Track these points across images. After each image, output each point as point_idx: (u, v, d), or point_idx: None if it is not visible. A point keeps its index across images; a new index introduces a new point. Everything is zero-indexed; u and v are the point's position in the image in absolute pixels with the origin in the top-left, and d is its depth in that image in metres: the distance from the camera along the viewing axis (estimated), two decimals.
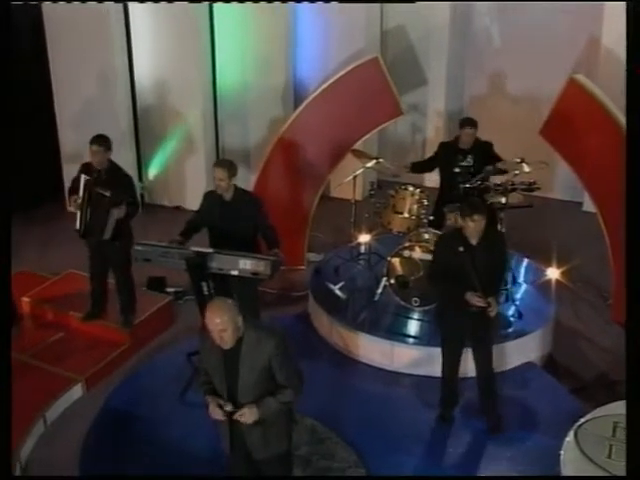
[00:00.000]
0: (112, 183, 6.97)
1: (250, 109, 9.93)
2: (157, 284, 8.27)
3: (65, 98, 9.75)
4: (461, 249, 5.81)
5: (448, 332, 6.30)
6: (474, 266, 5.82)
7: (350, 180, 8.11)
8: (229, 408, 4.64)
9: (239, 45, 9.69)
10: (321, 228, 9.22)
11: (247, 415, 4.57)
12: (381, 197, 7.93)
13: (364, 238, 8.16)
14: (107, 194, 6.89)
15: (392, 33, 10.22)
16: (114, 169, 7.17)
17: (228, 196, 6.56)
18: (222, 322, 4.41)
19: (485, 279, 5.86)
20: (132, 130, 9.96)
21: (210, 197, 6.76)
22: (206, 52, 9.75)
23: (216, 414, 4.65)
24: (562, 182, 10.12)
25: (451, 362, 6.34)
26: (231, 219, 6.47)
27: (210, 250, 6.23)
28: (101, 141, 7.02)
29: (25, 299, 7.94)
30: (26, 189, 9.35)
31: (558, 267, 7.99)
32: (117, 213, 6.95)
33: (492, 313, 5.91)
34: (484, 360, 6.26)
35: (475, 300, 5.84)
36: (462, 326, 6.13)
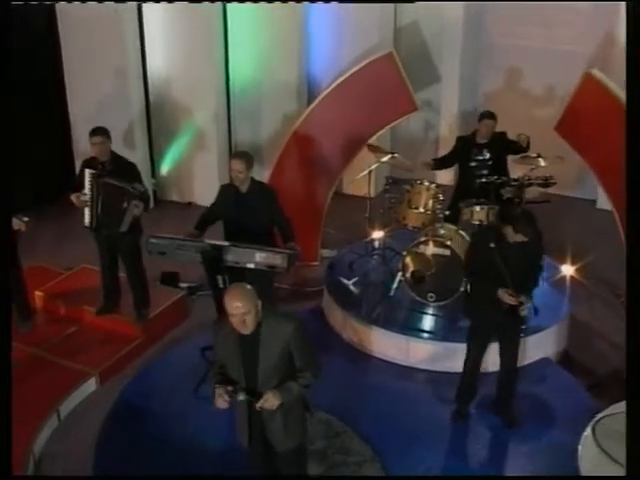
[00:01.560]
0: (119, 172, 6.96)
1: (263, 105, 9.91)
2: (170, 279, 8.25)
3: (78, 95, 9.73)
4: (493, 245, 5.73)
5: (477, 326, 6.23)
6: (508, 263, 5.74)
7: (364, 176, 8.07)
8: (242, 397, 4.58)
9: (252, 41, 9.66)
10: (334, 225, 9.18)
11: (270, 400, 4.52)
12: (396, 192, 7.90)
13: (378, 233, 8.12)
14: (127, 188, 6.85)
15: (405, 29, 10.17)
16: (117, 159, 7.16)
17: (244, 188, 6.53)
18: (244, 305, 4.38)
19: (519, 277, 5.79)
20: (144, 126, 9.94)
21: (226, 189, 6.74)
22: (219, 48, 9.72)
23: (220, 403, 4.57)
24: (576, 179, 10.07)
25: (475, 356, 6.28)
26: (247, 211, 6.45)
27: (226, 243, 6.19)
28: (102, 132, 7.01)
29: (39, 293, 7.93)
30: (40, 185, 9.35)
31: (572, 264, 7.95)
32: (137, 210, 6.93)
33: (523, 312, 5.87)
34: (510, 355, 6.20)
35: (507, 298, 5.76)
36: (492, 321, 6.05)
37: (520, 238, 5.66)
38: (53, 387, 6.77)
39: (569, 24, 9.68)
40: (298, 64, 9.89)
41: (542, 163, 7.35)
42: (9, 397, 4.55)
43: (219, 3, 9.50)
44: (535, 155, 7.42)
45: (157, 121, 10.08)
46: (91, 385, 6.94)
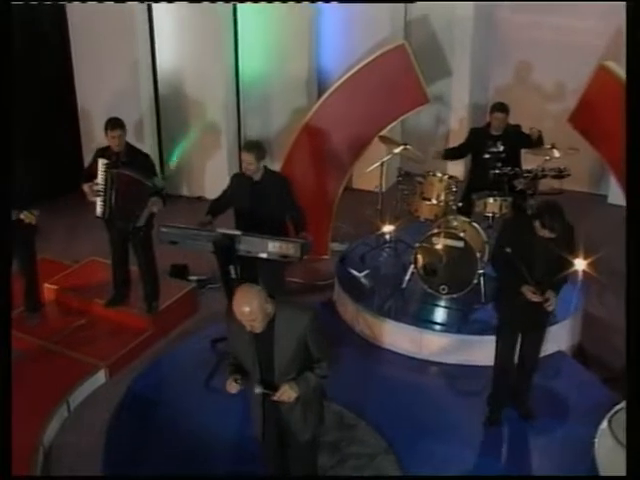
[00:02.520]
0: (134, 163, 6.91)
1: (273, 99, 9.86)
2: (180, 272, 8.21)
3: (87, 88, 9.70)
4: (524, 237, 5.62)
5: (505, 320, 6.09)
6: (536, 257, 5.61)
7: (375, 169, 8.01)
8: (259, 390, 4.51)
9: (262, 34, 9.62)
10: (344, 219, 9.12)
11: (287, 392, 4.46)
12: (408, 184, 7.84)
13: (390, 226, 8.05)
14: (147, 183, 6.79)
15: (416, 23, 10.10)
16: (132, 150, 7.12)
17: (257, 177, 6.47)
18: (251, 311, 4.28)
19: (547, 272, 5.66)
20: (154, 120, 9.91)
21: (239, 177, 6.69)
22: (229, 42, 9.67)
23: (232, 388, 4.54)
24: (587, 175, 10.00)
25: (505, 352, 6.09)
26: (260, 200, 6.39)
27: (238, 232, 6.14)
28: (119, 124, 6.95)
29: (47, 286, 7.88)
30: (49, 179, 9.31)
31: (585, 258, 7.85)
32: (155, 207, 6.87)
33: (549, 308, 5.72)
34: (533, 349, 6.08)
35: (530, 295, 5.63)
36: (519, 314, 5.89)
37: (547, 234, 5.51)
38: (63, 379, 6.72)
39: (581, 17, 9.59)
40: (308, 58, 9.85)
41: (556, 154, 7.29)
42: (9, 397, 4.48)
43: None
44: (549, 146, 7.34)
45: (166, 115, 10.04)
46: (100, 377, 6.88)
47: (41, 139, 9.50)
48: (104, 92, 9.53)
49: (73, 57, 9.61)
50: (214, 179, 9.73)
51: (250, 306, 4.26)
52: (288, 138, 8.76)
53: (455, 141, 9.86)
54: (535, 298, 5.63)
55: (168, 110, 10.00)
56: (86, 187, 6.99)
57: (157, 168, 9.12)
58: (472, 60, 10.17)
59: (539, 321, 5.99)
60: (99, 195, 6.97)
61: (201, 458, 5.93)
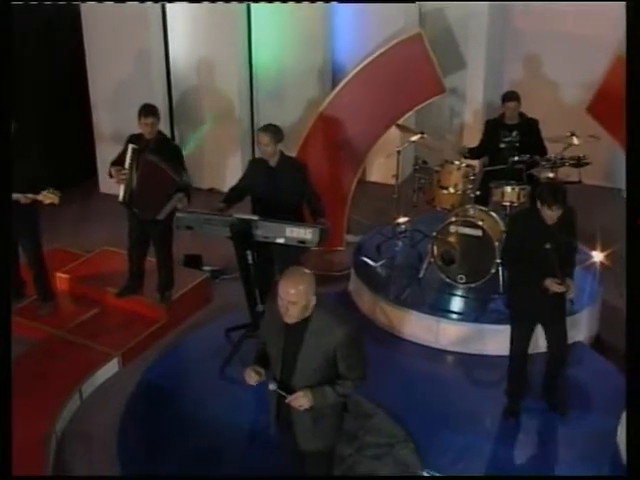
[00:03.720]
0: (162, 152, 6.82)
1: (286, 90, 9.76)
2: (193, 262, 8.13)
3: (99, 78, 9.61)
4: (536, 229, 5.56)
5: (519, 311, 5.99)
6: (551, 247, 5.52)
7: (391, 159, 7.94)
8: (273, 387, 4.31)
9: (275, 24, 9.52)
10: (358, 211, 9.05)
11: (301, 400, 4.25)
12: (425, 173, 7.75)
13: (406, 217, 7.97)
14: (175, 178, 6.72)
15: (431, 15, 10.00)
16: (163, 139, 7.08)
17: (274, 162, 6.40)
18: (296, 293, 4.07)
19: (561, 260, 5.58)
20: (167, 111, 9.81)
21: (255, 164, 6.63)
22: (242, 32, 9.59)
23: (250, 378, 4.34)
24: (601, 168, 9.89)
25: (521, 344, 6.01)
26: (276, 186, 6.32)
27: (255, 217, 6.07)
28: (153, 111, 6.90)
29: (60, 275, 7.81)
30: (60, 169, 9.25)
31: (601, 251, 7.78)
32: (180, 204, 6.78)
33: (571, 295, 5.68)
34: (558, 338, 5.97)
35: (555, 287, 5.54)
36: (534, 305, 5.81)
37: (554, 215, 5.46)
38: (75, 368, 6.66)
39: (596, 9, 9.49)
40: (322, 49, 9.75)
41: (575, 141, 7.20)
42: (9, 397, 4.44)
43: None
44: (569, 133, 7.26)
45: (179, 105, 9.96)
46: (113, 366, 6.82)
47: (52, 129, 9.44)
48: (116, 82, 9.46)
49: (85, 47, 9.52)
50: (227, 171, 9.71)
51: (296, 288, 4.07)
52: (302, 129, 8.69)
53: (469, 134, 9.87)
54: (560, 289, 5.55)
55: (181, 101, 9.92)
56: (113, 170, 6.92)
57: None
58: (487, 53, 10.04)
59: (557, 311, 5.89)
60: (123, 179, 6.89)
61: (214, 447, 5.86)
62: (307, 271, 4.26)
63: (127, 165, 6.85)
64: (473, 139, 8.56)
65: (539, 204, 5.52)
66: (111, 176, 6.96)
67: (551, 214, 5.50)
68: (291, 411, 4.39)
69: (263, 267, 6.40)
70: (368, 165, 9.65)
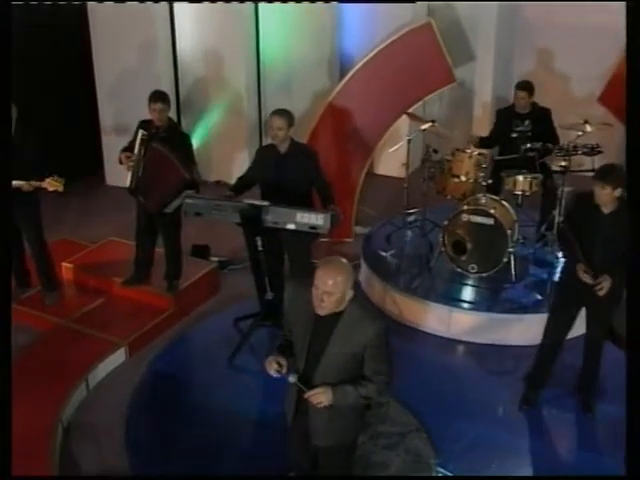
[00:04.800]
0: (171, 141, 6.74)
1: (294, 82, 9.67)
2: (201, 252, 8.04)
3: (106, 70, 9.54)
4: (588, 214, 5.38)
5: (560, 298, 5.88)
6: (596, 236, 5.36)
7: (401, 149, 7.88)
8: (293, 379, 4.14)
9: (283, 16, 9.43)
10: (367, 204, 8.98)
11: (321, 397, 4.07)
12: (435, 162, 7.67)
13: (416, 207, 7.92)
14: (185, 175, 6.62)
15: (439, 6, 9.92)
16: (173, 127, 7.00)
17: (283, 148, 6.30)
18: (333, 284, 3.90)
19: (606, 253, 5.38)
20: (174, 103, 9.68)
21: (264, 150, 6.53)
22: (250, 23, 9.50)
23: (270, 367, 4.15)
24: (613, 160, 9.80)
25: (555, 332, 5.85)
26: (286, 172, 6.22)
27: (265, 203, 5.97)
28: (163, 98, 6.81)
29: (66, 265, 7.72)
30: (66, 161, 9.17)
31: None
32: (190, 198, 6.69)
33: (600, 292, 5.40)
34: (593, 330, 5.81)
35: (582, 275, 5.40)
36: (575, 294, 5.64)
37: (606, 193, 5.21)
38: (82, 357, 6.56)
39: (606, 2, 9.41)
40: (330, 40, 9.67)
41: (588, 129, 7.11)
42: (9, 397, 4.35)
43: None
44: (582, 121, 7.17)
45: (186, 97, 9.88)
46: (120, 356, 6.72)
47: (58, 121, 9.36)
48: (122, 73, 9.38)
49: (92, 37, 9.45)
50: (234, 163, 9.61)
51: (334, 278, 3.90)
52: (310, 121, 8.60)
53: (478, 126, 9.77)
54: (586, 278, 5.40)
55: (188, 93, 9.84)
56: (123, 156, 6.83)
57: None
58: (496, 45, 9.95)
59: (597, 301, 5.58)
60: (131, 166, 6.80)
61: (222, 437, 5.78)
62: (346, 262, 4.06)
63: (135, 151, 6.77)
64: (482, 132, 8.50)
65: (595, 186, 5.28)
66: (121, 162, 6.88)
67: (600, 193, 5.25)
68: (309, 405, 4.23)
69: (273, 254, 6.31)
70: (376, 157, 9.56)
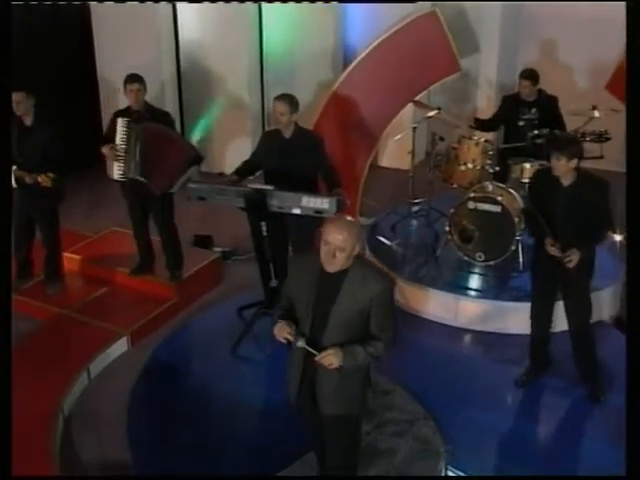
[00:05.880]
0: (158, 121, 6.71)
1: (297, 74, 9.61)
2: (203, 243, 7.96)
3: (108, 61, 9.48)
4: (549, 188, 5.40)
5: (537, 281, 5.84)
6: (557, 209, 5.38)
7: (403, 145, 7.80)
8: (301, 344, 4.08)
9: (286, 8, 9.37)
10: (371, 196, 8.86)
11: (331, 358, 4.03)
12: (442, 150, 7.59)
13: (422, 197, 7.84)
14: (189, 149, 6.62)
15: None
16: (152, 108, 6.90)
17: (288, 134, 6.21)
18: (344, 239, 3.92)
19: (571, 226, 5.39)
20: (176, 95, 9.70)
21: (268, 136, 6.45)
22: (253, 15, 9.44)
23: (281, 331, 4.11)
24: (620, 154, 9.71)
25: (538, 316, 5.87)
26: (291, 158, 6.11)
27: (270, 187, 5.88)
28: (138, 78, 6.74)
29: (68, 255, 7.63)
30: (69, 152, 9.08)
31: (621, 233, 7.61)
32: (195, 175, 6.67)
33: (569, 264, 5.38)
34: (574, 315, 5.77)
35: (550, 249, 5.39)
36: (552, 275, 5.62)
37: (563, 163, 5.27)
38: (83, 347, 6.50)
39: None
40: (334, 32, 9.61)
41: (597, 114, 7.03)
42: (9, 397, 4.26)
43: None
44: (590, 107, 7.08)
45: (188, 89, 9.82)
46: (122, 345, 6.65)
47: (61, 113, 9.26)
48: (125, 65, 9.22)
49: (94, 29, 9.41)
50: (236, 154, 9.44)
51: (344, 234, 3.92)
52: (313, 113, 8.50)
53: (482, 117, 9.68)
54: (554, 252, 5.39)
55: (190, 84, 9.78)
56: (105, 149, 6.71)
57: None
58: (501, 36, 9.88)
59: (573, 282, 5.63)
60: (119, 156, 6.68)
61: (224, 426, 5.71)
62: (353, 219, 4.14)
63: (121, 140, 6.65)
64: None
65: (551, 157, 5.37)
66: (106, 156, 6.77)
67: (558, 165, 5.32)
68: (317, 371, 4.21)
69: (277, 240, 6.22)
70: (380, 149, 9.47)
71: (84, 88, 9.58)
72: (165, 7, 9.34)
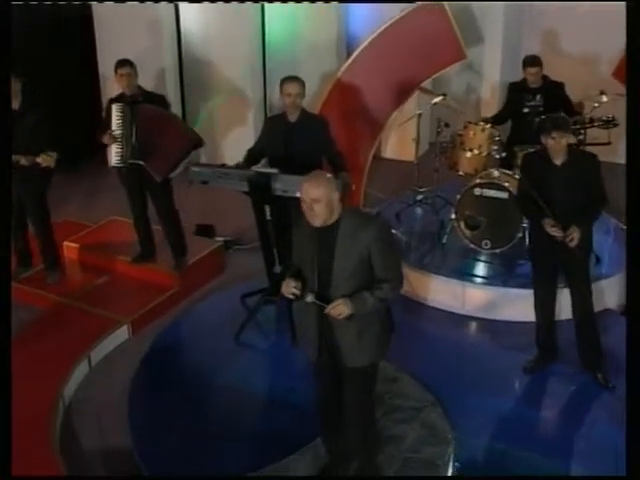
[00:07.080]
0: (154, 103, 6.67)
1: (300, 64, 9.45)
2: (205, 232, 7.88)
3: (108, 51, 9.35)
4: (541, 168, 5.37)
5: (538, 267, 5.78)
6: (553, 189, 5.34)
7: (407, 134, 7.72)
8: (311, 298, 4.19)
9: None
10: (374, 187, 8.76)
11: (340, 308, 4.14)
12: (447, 136, 7.51)
13: (427, 185, 7.76)
14: (190, 133, 6.58)
15: None
16: (147, 92, 6.85)
17: (294, 118, 6.12)
18: (317, 192, 4.08)
19: (569, 205, 5.34)
20: (177, 85, 9.60)
21: (273, 120, 6.37)
22: (255, 4, 9.32)
23: (288, 287, 4.23)
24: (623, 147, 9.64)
25: (541, 303, 5.81)
26: (296, 142, 6.03)
27: (274, 170, 5.79)
28: (128, 62, 6.70)
29: (68, 244, 7.59)
30: (69, 143, 9.00)
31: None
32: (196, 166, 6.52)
33: (571, 243, 5.32)
34: (578, 301, 5.72)
35: (549, 228, 5.32)
36: (552, 260, 5.57)
37: (557, 141, 5.25)
38: (84, 335, 6.43)
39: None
40: (337, 23, 9.52)
41: (604, 99, 6.95)
42: (9, 396, 4.22)
43: None
44: (598, 92, 7.01)
45: (190, 79, 9.71)
46: (123, 333, 6.58)
47: (61, 103, 9.19)
48: (126, 55, 9.18)
49: (95, 17, 9.34)
50: (238, 146, 9.36)
51: (317, 188, 4.09)
52: (316, 102, 8.40)
53: (486, 109, 9.57)
54: (554, 232, 5.32)
55: (191, 74, 9.67)
56: (105, 137, 6.64)
57: None
58: (504, 28, 9.80)
59: (575, 267, 5.60)
60: (116, 142, 6.62)
61: (227, 414, 5.63)
62: (326, 174, 4.40)
63: (115, 125, 6.59)
64: (490, 114, 8.28)
65: (543, 137, 5.35)
66: (104, 144, 6.70)
67: (552, 144, 5.30)
68: (334, 328, 4.30)
69: (281, 225, 6.11)
70: (384, 141, 9.38)
71: (85, 82, 9.49)
72: None
